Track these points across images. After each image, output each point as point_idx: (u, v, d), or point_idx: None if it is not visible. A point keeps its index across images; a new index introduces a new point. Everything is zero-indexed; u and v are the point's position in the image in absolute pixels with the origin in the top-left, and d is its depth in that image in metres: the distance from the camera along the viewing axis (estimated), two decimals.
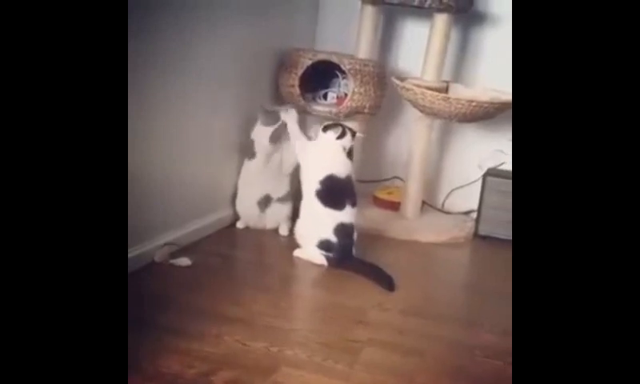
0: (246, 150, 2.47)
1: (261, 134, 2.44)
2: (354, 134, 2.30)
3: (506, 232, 2.67)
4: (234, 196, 2.51)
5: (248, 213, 2.50)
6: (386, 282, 2.09)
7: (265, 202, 2.46)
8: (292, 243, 2.33)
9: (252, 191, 2.47)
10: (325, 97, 2.82)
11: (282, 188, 2.50)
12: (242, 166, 2.50)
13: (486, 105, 2.49)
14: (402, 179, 2.94)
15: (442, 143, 3.06)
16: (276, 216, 2.50)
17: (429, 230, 2.71)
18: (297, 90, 2.65)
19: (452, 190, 3.06)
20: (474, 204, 2.86)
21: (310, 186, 2.25)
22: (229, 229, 2.49)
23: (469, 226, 2.81)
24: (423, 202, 2.89)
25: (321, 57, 2.65)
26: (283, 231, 2.50)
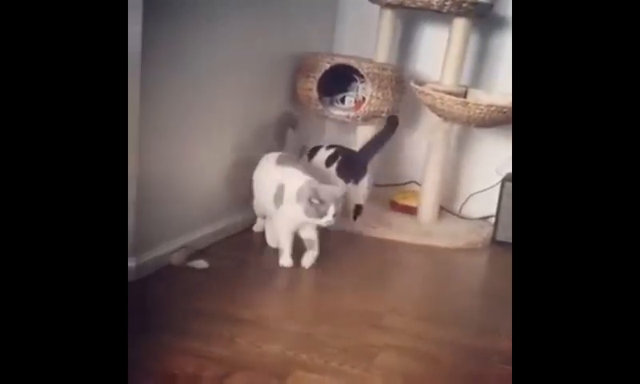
0: (276, 197, 2.18)
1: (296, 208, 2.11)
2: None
3: None
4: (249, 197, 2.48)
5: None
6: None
7: None
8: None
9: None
10: (342, 101, 2.82)
11: None
12: (257, 170, 2.36)
13: (505, 110, 2.48)
14: (418, 183, 2.93)
15: (460, 148, 3.04)
16: None
17: (446, 236, 2.70)
18: (315, 94, 2.65)
19: (470, 196, 3.04)
20: (491, 209, 2.84)
21: None
22: (245, 232, 2.49)
23: (486, 231, 2.79)
24: (440, 207, 2.87)
25: (339, 61, 2.65)
26: (308, 262, 2.19)
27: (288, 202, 2.11)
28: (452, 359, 1.69)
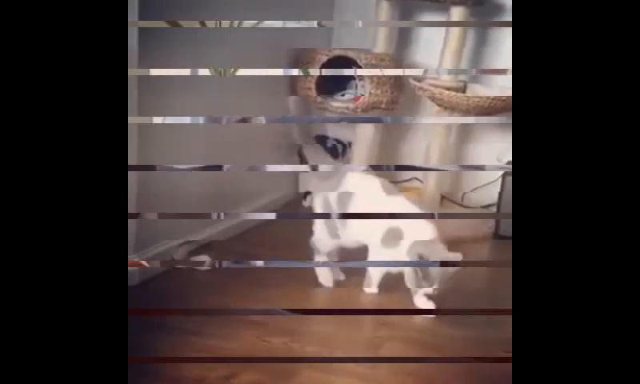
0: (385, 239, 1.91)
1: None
2: None
3: None
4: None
5: None
6: None
7: None
8: None
9: None
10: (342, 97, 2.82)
11: None
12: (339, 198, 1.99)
13: (504, 98, 2.47)
14: (420, 180, 2.92)
15: (461, 141, 3.03)
16: None
17: (448, 230, 2.68)
18: (313, 93, 2.65)
19: (472, 189, 3.03)
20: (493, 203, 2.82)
21: None
22: (249, 229, 2.47)
23: (489, 224, 2.78)
24: (442, 197, 2.86)
25: (337, 53, 2.65)
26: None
27: (398, 249, 1.85)
28: (458, 352, 1.68)
